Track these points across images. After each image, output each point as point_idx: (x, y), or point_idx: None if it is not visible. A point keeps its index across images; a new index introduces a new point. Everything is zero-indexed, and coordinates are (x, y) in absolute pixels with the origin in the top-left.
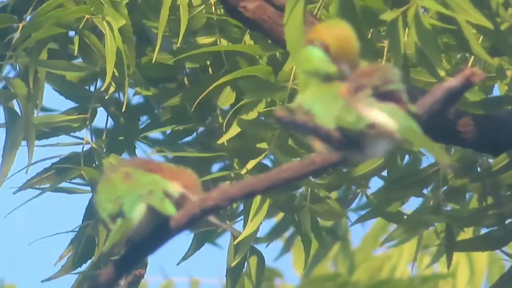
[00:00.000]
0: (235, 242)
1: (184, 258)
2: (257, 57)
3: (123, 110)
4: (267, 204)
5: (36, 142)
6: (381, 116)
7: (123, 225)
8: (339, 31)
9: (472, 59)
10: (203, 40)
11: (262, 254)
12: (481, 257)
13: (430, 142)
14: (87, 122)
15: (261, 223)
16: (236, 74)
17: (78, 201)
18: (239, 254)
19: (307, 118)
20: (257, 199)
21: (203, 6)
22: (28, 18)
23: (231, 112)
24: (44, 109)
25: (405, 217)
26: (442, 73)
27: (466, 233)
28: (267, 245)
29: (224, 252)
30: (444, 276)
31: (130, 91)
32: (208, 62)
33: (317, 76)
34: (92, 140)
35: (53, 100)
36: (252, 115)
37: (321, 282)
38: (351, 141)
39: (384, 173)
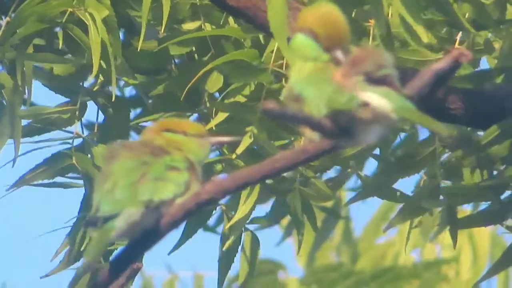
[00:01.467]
0: (227, 226)
1: (177, 246)
2: (242, 40)
3: (112, 100)
4: (258, 187)
5: (28, 139)
6: (375, 97)
7: (102, 236)
8: (326, 17)
9: (459, 35)
10: (187, 26)
11: (256, 234)
12: (483, 241)
13: (427, 118)
14: (77, 115)
15: (253, 206)
16: (222, 59)
17: (71, 195)
18: (233, 236)
19: (297, 103)
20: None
21: None
22: (12, 14)
23: (220, 98)
24: (31, 104)
25: (398, 194)
26: (424, 38)
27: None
28: (264, 229)
29: None
30: (448, 261)
31: (119, 83)
32: (194, 48)
33: (311, 62)
34: (82, 128)
35: (44, 97)
36: (239, 99)
37: (325, 272)
38: (343, 129)
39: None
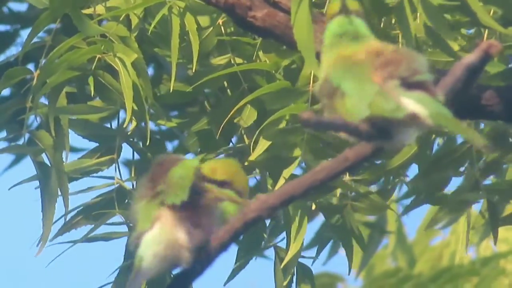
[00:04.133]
0: (282, 265)
1: (231, 277)
2: (273, 71)
3: (147, 143)
4: (306, 222)
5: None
6: (411, 103)
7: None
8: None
9: (486, 32)
10: (217, 61)
11: (310, 268)
12: None
13: (462, 125)
14: (115, 159)
15: (303, 241)
16: (255, 95)
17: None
18: (287, 273)
19: (332, 97)
20: (296, 217)
21: (212, 28)
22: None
23: (258, 131)
24: (71, 149)
25: (448, 197)
26: (455, 48)
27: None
28: (313, 262)
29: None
30: (505, 255)
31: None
32: (225, 83)
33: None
34: (120, 173)
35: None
36: (280, 126)
37: (383, 279)
38: (381, 131)
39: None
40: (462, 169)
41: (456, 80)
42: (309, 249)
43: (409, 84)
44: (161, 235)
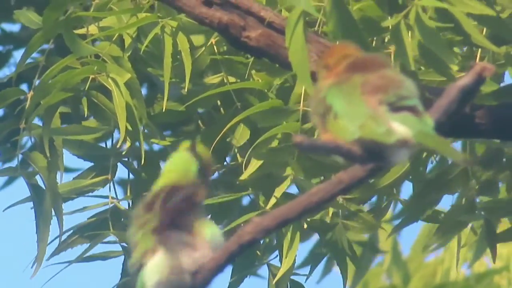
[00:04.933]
0: (274, 282)
1: None
2: (265, 90)
3: (142, 163)
4: (298, 238)
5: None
6: (397, 126)
7: None
8: None
9: (479, 51)
10: (210, 80)
11: (303, 285)
12: None
13: (443, 142)
14: (110, 179)
15: (295, 257)
16: (247, 113)
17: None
18: None
19: (324, 116)
20: (288, 233)
21: (204, 48)
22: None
23: (250, 150)
24: (65, 169)
25: (442, 215)
26: (455, 68)
27: (504, 224)
28: (307, 279)
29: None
30: (499, 271)
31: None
32: (218, 102)
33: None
34: (115, 192)
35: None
36: (272, 145)
37: None
38: (373, 154)
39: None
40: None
41: (450, 102)
42: (304, 267)
43: (397, 109)
44: (165, 261)
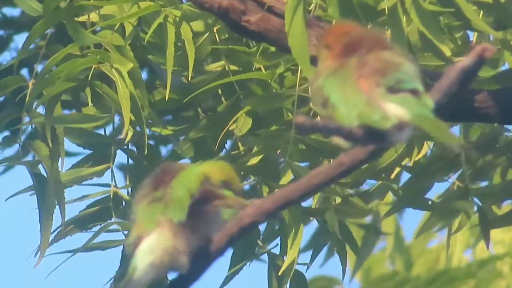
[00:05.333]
0: (279, 273)
1: (226, 281)
2: (269, 80)
3: (145, 153)
4: (302, 229)
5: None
6: (395, 108)
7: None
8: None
9: (475, 36)
10: (211, 68)
11: (303, 274)
12: None
13: (441, 126)
14: (111, 166)
15: (299, 249)
16: (250, 101)
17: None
18: (283, 282)
19: (325, 107)
20: (291, 223)
21: (207, 34)
22: (39, 70)
23: (248, 139)
24: (66, 153)
25: (430, 202)
26: (448, 53)
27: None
28: (307, 268)
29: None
30: (501, 257)
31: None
32: (219, 90)
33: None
34: (114, 179)
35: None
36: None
37: (381, 282)
38: (374, 135)
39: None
40: (449, 176)
41: (451, 83)
42: (304, 252)
43: (396, 90)
44: (158, 243)
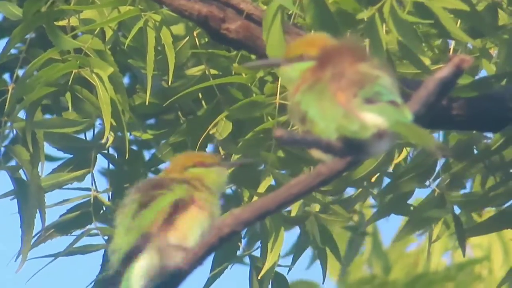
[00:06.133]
0: (259, 277)
1: (208, 285)
2: (249, 84)
3: (126, 157)
4: (283, 233)
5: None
6: (371, 116)
7: None
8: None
9: (453, 44)
10: (191, 72)
11: (285, 277)
12: None
13: (420, 132)
14: (91, 170)
15: (280, 252)
16: (231, 109)
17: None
18: (264, 285)
19: (303, 123)
20: (272, 227)
21: (187, 39)
22: (20, 74)
23: (232, 148)
24: (47, 157)
25: (412, 208)
26: (427, 62)
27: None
28: (289, 271)
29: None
30: (479, 261)
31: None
32: (200, 94)
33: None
34: (95, 185)
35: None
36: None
37: (359, 286)
38: (353, 147)
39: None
40: (427, 182)
41: (429, 94)
42: (286, 257)
43: (373, 102)
44: (151, 265)
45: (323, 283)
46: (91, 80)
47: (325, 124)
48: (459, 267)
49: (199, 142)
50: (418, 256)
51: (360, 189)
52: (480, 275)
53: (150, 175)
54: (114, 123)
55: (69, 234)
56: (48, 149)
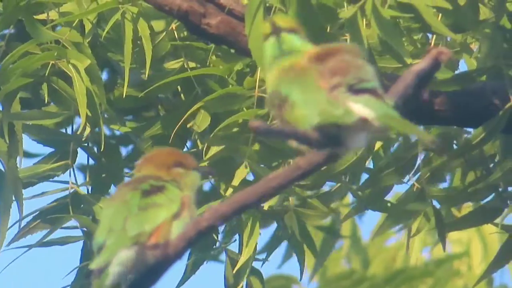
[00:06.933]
0: (234, 271)
1: (181, 282)
2: (226, 76)
3: (102, 150)
4: (258, 227)
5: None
6: (359, 107)
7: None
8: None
9: (434, 38)
10: (170, 65)
11: (260, 271)
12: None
13: (409, 124)
14: (70, 164)
15: (256, 245)
16: (207, 99)
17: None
18: (240, 279)
19: (282, 108)
20: (248, 221)
21: (165, 32)
22: None
23: (211, 136)
24: (26, 155)
25: (389, 204)
26: (408, 59)
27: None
28: (263, 264)
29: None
30: (459, 256)
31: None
32: (179, 87)
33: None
34: (75, 178)
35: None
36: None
37: (338, 281)
38: (331, 139)
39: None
40: (407, 177)
41: (407, 86)
42: (264, 252)
43: (356, 91)
44: (133, 257)
45: (300, 279)
46: (67, 71)
47: (308, 106)
48: (438, 262)
49: (173, 133)
50: (396, 251)
51: (339, 184)
52: (459, 271)
53: (128, 170)
54: (89, 114)
55: (47, 229)
56: (29, 146)
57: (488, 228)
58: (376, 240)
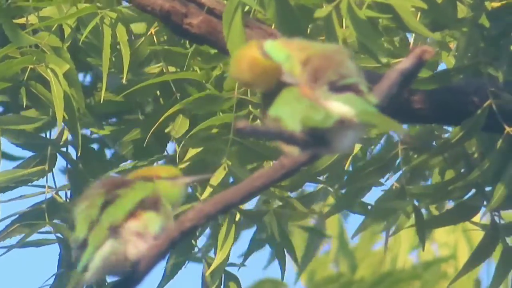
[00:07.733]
0: (207, 273)
1: (163, 283)
2: (203, 81)
3: (79, 154)
4: (234, 230)
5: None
6: (339, 106)
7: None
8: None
9: (413, 37)
10: (149, 70)
11: (238, 278)
12: (478, 234)
13: (389, 120)
14: (47, 169)
15: (231, 248)
16: (184, 103)
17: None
18: (213, 281)
19: (275, 124)
20: (224, 225)
21: (144, 37)
22: None
23: (186, 137)
24: (7, 157)
25: (369, 207)
26: (383, 60)
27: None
28: (239, 268)
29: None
30: (445, 259)
31: (86, 132)
32: (158, 92)
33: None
34: (54, 182)
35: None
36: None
37: (325, 284)
38: (317, 139)
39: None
40: (386, 177)
41: (391, 85)
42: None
43: (338, 88)
44: (113, 251)
45: (281, 280)
46: (46, 76)
47: (291, 119)
48: (425, 265)
49: (150, 137)
50: (384, 255)
51: (321, 186)
52: (446, 274)
53: (112, 174)
54: (67, 118)
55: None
56: (10, 150)
57: (476, 233)
58: (363, 243)
